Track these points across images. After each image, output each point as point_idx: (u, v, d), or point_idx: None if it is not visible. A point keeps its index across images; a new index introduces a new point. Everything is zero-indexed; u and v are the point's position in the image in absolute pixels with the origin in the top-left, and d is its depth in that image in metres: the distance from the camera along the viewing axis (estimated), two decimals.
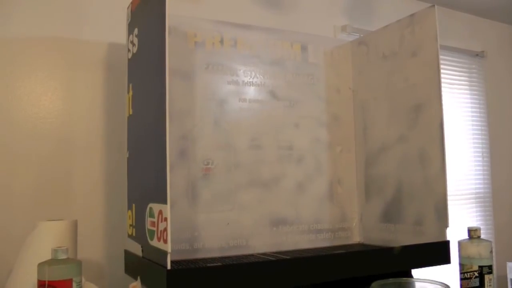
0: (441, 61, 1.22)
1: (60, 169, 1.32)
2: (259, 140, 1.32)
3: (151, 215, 0.99)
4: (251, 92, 1.33)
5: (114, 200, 1.36)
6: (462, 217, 2.24)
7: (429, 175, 1.22)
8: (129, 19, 1.23)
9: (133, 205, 1.14)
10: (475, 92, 2.42)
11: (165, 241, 0.89)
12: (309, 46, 1.43)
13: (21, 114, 1.29)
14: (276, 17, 1.73)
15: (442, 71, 1.21)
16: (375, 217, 1.41)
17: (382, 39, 1.39)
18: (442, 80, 1.20)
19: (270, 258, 1.13)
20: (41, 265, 0.94)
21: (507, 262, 2.14)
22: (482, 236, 1.19)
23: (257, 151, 1.32)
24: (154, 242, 0.96)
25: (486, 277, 1.19)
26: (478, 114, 2.42)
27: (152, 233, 0.98)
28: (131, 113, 1.19)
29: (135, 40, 1.16)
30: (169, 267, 0.89)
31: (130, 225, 1.17)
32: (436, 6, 1.23)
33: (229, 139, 1.28)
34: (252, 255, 1.23)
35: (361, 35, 1.71)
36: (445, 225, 1.19)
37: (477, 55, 2.40)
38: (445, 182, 1.19)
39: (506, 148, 2.43)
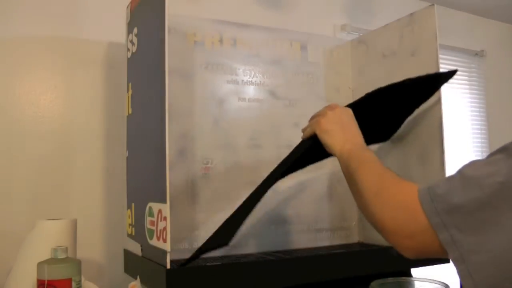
0: (441, 60, 1.22)
1: (59, 168, 1.32)
2: (259, 139, 1.32)
3: (151, 215, 0.99)
4: (250, 91, 1.33)
5: (114, 199, 1.36)
6: None
7: (429, 174, 1.22)
8: (129, 19, 1.23)
9: (133, 204, 1.14)
10: (474, 91, 2.42)
11: (165, 240, 0.90)
12: (309, 45, 1.43)
13: (20, 113, 1.29)
14: (276, 16, 1.73)
15: (441, 70, 1.21)
16: None
17: (382, 38, 1.39)
18: None
19: (270, 257, 1.13)
20: (40, 265, 0.94)
21: None
22: None
23: (257, 150, 1.32)
24: (154, 242, 0.96)
25: None
26: (478, 113, 2.42)
27: (151, 232, 0.98)
28: (130, 112, 1.19)
29: (135, 40, 1.16)
30: (168, 266, 0.89)
31: (130, 225, 1.17)
32: (435, 5, 1.23)
33: (229, 138, 1.28)
34: (251, 254, 1.23)
35: (361, 34, 1.71)
36: None
37: (476, 54, 2.40)
38: None
39: None
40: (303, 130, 1.01)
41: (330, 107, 0.96)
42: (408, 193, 0.65)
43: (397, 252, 0.67)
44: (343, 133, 0.90)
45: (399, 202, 0.66)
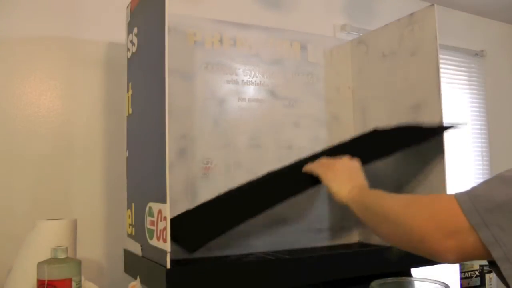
0: (441, 60, 1.22)
1: (59, 168, 1.32)
2: (259, 139, 1.32)
3: (151, 214, 0.99)
4: (250, 91, 1.33)
5: (114, 199, 1.36)
6: None
7: (429, 175, 1.22)
8: (129, 19, 1.23)
9: (133, 204, 1.14)
10: (474, 92, 2.42)
11: (165, 240, 0.89)
12: (309, 45, 1.43)
13: (21, 113, 1.29)
14: (276, 16, 1.73)
15: (441, 70, 1.21)
16: None
17: (382, 38, 1.39)
18: (442, 79, 1.20)
19: (270, 257, 1.13)
20: (40, 264, 0.94)
21: None
22: None
23: (257, 150, 1.32)
24: (154, 241, 0.96)
25: (487, 276, 1.19)
26: (478, 114, 2.42)
27: (151, 232, 0.98)
28: (130, 112, 1.19)
29: (135, 40, 1.16)
30: (168, 266, 0.89)
31: (130, 225, 1.17)
32: (435, 5, 1.23)
33: (229, 138, 1.28)
34: (251, 254, 1.23)
35: (361, 34, 1.71)
36: None
37: (476, 54, 2.40)
38: (445, 182, 1.19)
39: (506, 148, 2.43)
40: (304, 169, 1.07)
41: (341, 161, 1.03)
42: (444, 199, 0.65)
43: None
44: (349, 180, 0.95)
45: (436, 206, 0.65)
